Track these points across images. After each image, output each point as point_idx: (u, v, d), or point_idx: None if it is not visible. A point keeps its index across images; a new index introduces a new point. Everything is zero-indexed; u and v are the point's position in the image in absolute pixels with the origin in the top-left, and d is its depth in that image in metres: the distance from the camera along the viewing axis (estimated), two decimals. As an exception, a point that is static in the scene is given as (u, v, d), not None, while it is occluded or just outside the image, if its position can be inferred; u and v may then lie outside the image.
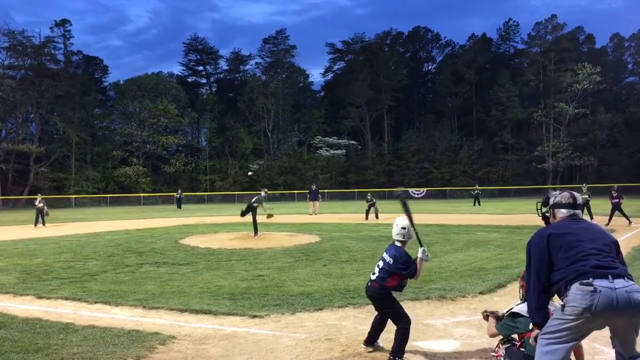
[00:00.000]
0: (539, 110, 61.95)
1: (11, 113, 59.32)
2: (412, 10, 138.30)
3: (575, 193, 3.34)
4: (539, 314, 3.13)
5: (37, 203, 23.02)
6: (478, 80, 68.42)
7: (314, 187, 30.93)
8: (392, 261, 4.53)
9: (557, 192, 3.39)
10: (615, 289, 2.85)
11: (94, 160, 62.77)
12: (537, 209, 3.50)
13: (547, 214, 3.39)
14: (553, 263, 3.06)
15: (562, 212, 3.25)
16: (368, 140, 71.31)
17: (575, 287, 2.91)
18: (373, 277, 4.63)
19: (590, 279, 2.88)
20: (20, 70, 60.03)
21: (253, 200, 15.82)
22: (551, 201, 3.35)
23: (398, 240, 4.64)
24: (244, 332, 5.29)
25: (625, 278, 2.92)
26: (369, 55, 73.47)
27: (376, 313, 4.78)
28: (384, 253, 4.67)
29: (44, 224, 22.31)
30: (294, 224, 20.58)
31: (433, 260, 9.99)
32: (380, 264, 4.61)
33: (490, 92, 65.41)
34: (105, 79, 75.24)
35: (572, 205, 3.26)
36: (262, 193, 16.29)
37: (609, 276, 2.89)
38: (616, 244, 3.15)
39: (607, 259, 2.99)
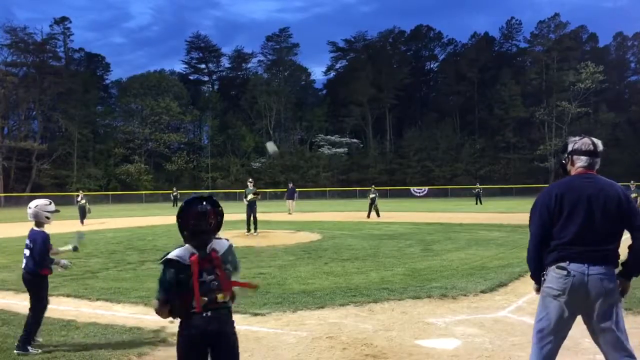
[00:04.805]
0: (542, 109, 61.86)
1: (13, 110, 59.48)
2: (415, 8, 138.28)
3: (595, 139, 3.11)
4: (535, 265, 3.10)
5: (79, 199, 22.39)
6: (480, 78, 68.31)
7: (290, 185, 29.18)
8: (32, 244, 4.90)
9: (577, 137, 3.17)
10: (589, 274, 2.88)
11: (96, 158, 62.83)
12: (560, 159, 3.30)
13: (564, 161, 3.19)
14: (551, 227, 3.03)
15: (581, 160, 3.07)
16: (370, 139, 71.23)
17: (552, 269, 2.98)
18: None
19: (567, 262, 2.92)
20: (22, 67, 60.11)
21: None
22: (570, 147, 3.13)
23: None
24: (245, 329, 5.28)
25: (604, 264, 2.91)
26: (371, 53, 73.40)
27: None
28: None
29: (82, 222, 21.20)
30: (295, 222, 20.59)
31: (435, 258, 10.01)
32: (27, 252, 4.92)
33: (493, 91, 65.34)
34: (107, 76, 75.39)
35: (593, 152, 3.06)
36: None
37: (586, 261, 2.89)
38: (622, 212, 2.94)
39: (596, 244, 2.92)
